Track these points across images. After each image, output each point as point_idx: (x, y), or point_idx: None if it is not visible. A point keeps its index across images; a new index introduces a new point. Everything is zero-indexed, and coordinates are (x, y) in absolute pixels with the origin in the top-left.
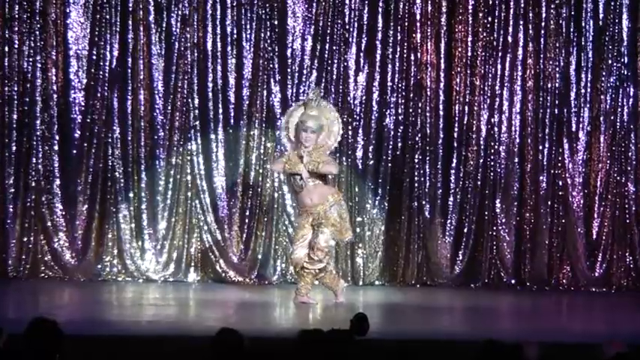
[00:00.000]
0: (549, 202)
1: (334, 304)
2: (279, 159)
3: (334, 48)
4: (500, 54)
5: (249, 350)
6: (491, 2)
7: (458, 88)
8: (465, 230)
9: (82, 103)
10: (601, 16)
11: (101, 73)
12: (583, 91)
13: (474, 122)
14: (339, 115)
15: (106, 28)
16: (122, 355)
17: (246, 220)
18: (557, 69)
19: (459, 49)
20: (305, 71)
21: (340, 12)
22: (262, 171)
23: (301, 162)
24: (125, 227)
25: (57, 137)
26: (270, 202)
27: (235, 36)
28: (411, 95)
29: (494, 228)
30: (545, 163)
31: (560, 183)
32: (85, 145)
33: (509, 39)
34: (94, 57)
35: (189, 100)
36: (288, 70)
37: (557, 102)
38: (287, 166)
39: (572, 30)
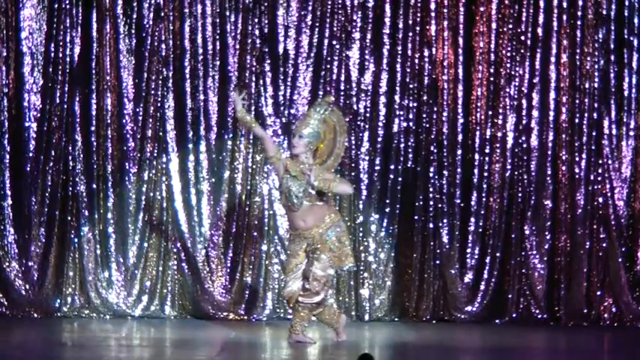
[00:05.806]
0: (587, 223)
1: (335, 344)
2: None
3: (334, 43)
4: (528, 49)
5: None
6: None
7: (479, 90)
8: (489, 257)
9: (38, 108)
10: None
11: (60, 72)
12: (627, 92)
13: (499, 129)
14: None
15: (66, 20)
16: None
17: (232, 245)
18: (597, 67)
19: (481, 44)
20: (300, 71)
21: (341, 1)
22: (250, 188)
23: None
24: (89, 254)
25: (7, 148)
26: (260, 224)
27: (218, 29)
28: (425, 98)
29: (523, 254)
30: (582, 176)
31: (601, 200)
32: (42, 157)
33: (540, 32)
34: (52, 54)
35: (164, 104)
36: (280, 69)
37: (596, 105)
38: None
39: (613, 21)
